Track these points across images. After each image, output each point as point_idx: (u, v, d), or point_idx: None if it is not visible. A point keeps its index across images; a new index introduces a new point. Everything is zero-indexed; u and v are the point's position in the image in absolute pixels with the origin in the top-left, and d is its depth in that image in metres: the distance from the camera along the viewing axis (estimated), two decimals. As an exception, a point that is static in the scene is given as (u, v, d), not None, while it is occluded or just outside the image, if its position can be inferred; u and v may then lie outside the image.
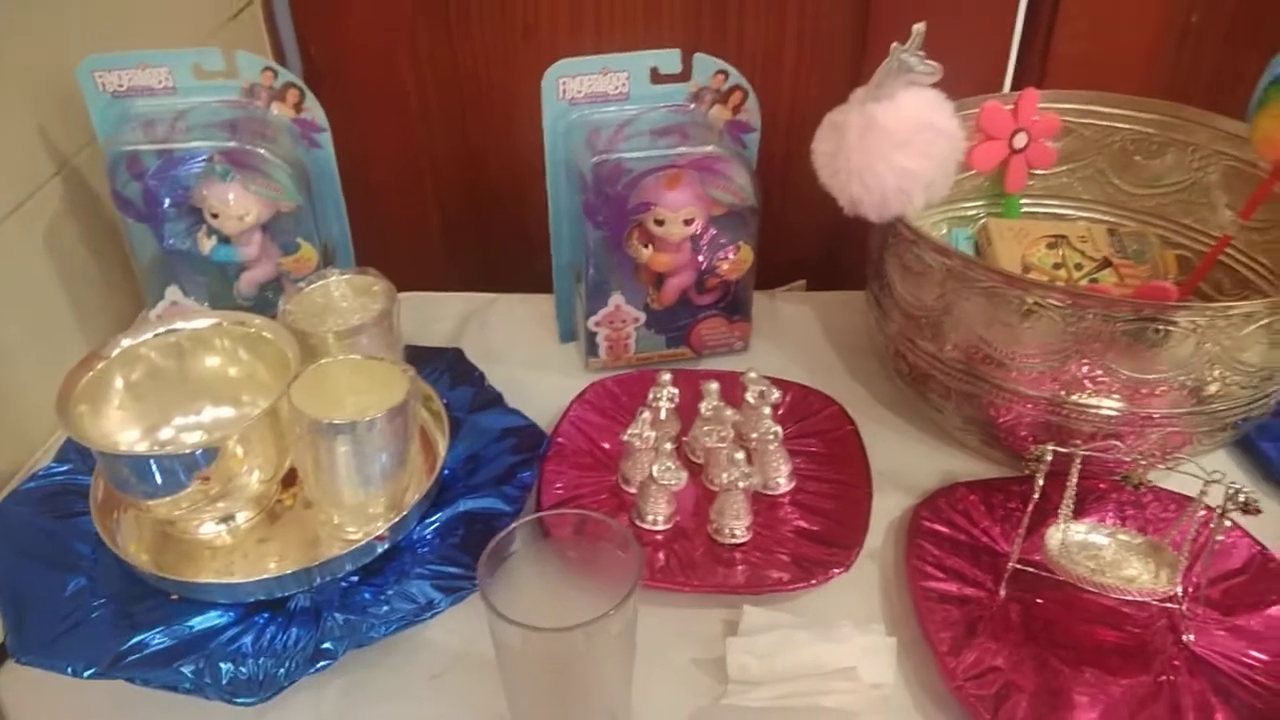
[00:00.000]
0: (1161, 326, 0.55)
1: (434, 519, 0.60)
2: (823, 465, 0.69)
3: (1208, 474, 0.54)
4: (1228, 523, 0.53)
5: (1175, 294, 0.67)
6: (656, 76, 0.72)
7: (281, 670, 0.50)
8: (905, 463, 0.70)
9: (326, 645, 0.51)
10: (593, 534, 0.49)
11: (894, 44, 0.60)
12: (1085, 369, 0.58)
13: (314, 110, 0.74)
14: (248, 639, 0.52)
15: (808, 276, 1.01)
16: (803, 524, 0.65)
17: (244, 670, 0.50)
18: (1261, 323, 0.56)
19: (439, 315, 0.87)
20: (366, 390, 0.56)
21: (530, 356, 0.82)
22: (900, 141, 0.61)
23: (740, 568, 0.62)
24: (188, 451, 0.54)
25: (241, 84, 0.73)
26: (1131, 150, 0.78)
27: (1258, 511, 0.52)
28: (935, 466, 0.70)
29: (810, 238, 0.99)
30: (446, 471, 0.63)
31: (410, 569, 0.56)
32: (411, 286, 0.91)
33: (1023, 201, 0.82)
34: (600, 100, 0.71)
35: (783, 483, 0.67)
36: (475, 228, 1.06)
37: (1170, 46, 0.96)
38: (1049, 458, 0.56)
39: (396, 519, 0.57)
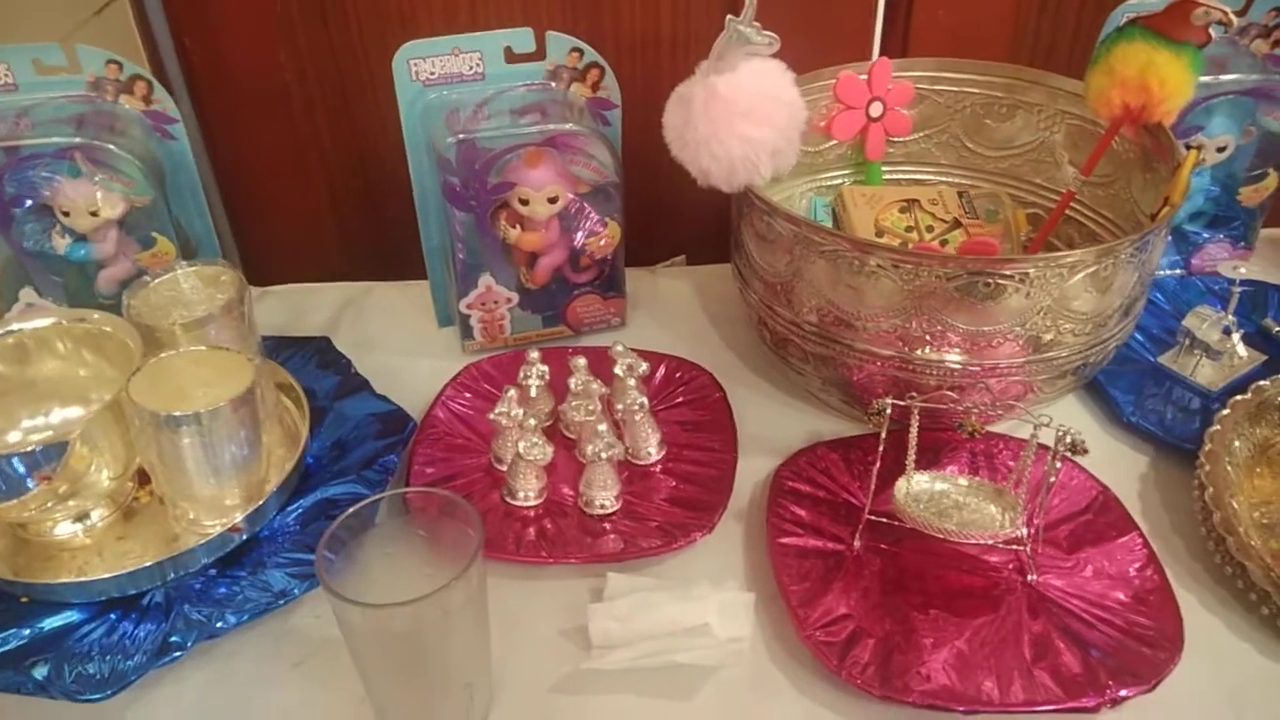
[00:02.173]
0: (990, 280, 0.57)
1: (295, 507, 0.59)
2: (693, 433, 0.71)
3: (1036, 419, 0.56)
4: (1059, 464, 0.56)
5: (998, 249, 0.70)
6: (511, 56, 0.72)
7: (129, 664, 0.49)
8: (773, 426, 0.72)
9: (175, 638, 0.51)
10: (437, 511, 0.50)
11: (729, 16, 0.61)
12: (926, 325, 0.60)
13: (164, 102, 0.73)
14: (97, 636, 0.51)
15: (692, 250, 1.02)
16: (672, 491, 0.66)
17: (90, 668, 0.50)
18: (1087, 271, 0.58)
19: (317, 305, 0.87)
20: (214, 382, 0.56)
21: (408, 342, 0.82)
22: (742, 111, 0.62)
23: (610, 537, 0.63)
24: (28, 450, 0.53)
25: (86, 78, 0.71)
26: (982, 114, 0.80)
27: (1085, 451, 0.55)
28: (801, 427, 0.72)
29: (693, 213, 1.00)
30: (310, 460, 0.63)
31: (268, 558, 0.56)
32: (304, 277, 0.91)
33: (884, 168, 0.84)
34: (455, 81, 0.71)
35: (653, 452, 0.69)
36: (367, 215, 1.04)
37: (1033, 12, 0.98)
38: (888, 411, 0.58)
39: (253, 509, 0.57)
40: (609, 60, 0.76)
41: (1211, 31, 0.64)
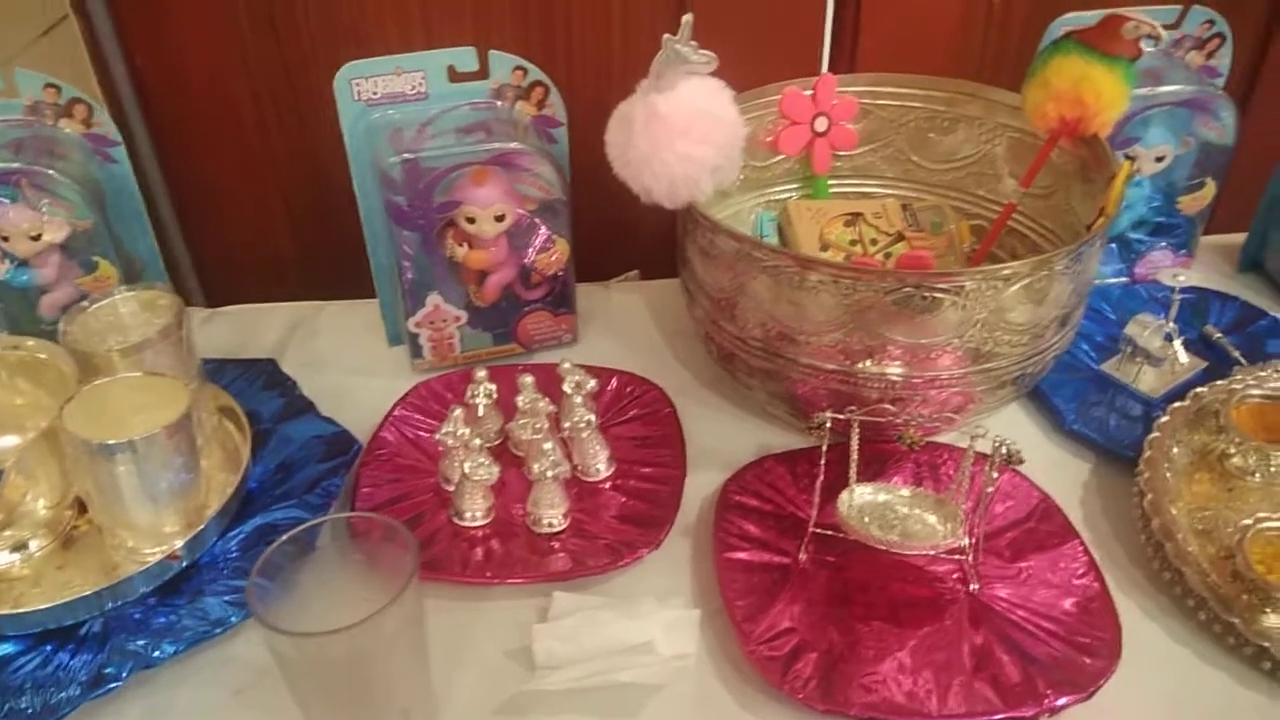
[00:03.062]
0: (926, 294, 0.58)
1: (236, 533, 0.59)
2: (643, 448, 0.71)
3: (973, 430, 0.57)
4: (996, 474, 0.56)
5: (933, 263, 0.71)
6: (455, 75, 0.72)
7: (63, 697, 0.49)
8: (723, 440, 0.72)
9: (110, 669, 0.50)
10: (376, 535, 0.49)
11: (665, 35, 0.61)
12: (866, 339, 0.61)
13: (105, 125, 0.72)
14: (31, 669, 0.51)
15: (647, 265, 1.02)
16: (621, 508, 0.66)
17: (23, 701, 0.49)
18: (1022, 283, 0.59)
19: (267, 325, 0.86)
20: (151, 408, 0.55)
21: (358, 361, 0.81)
22: (681, 130, 0.62)
23: (558, 556, 0.63)
24: (-42, 482, 0.53)
25: (24, 102, 0.71)
26: (925, 128, 0.81)
27: (1021, 461, 0.56)
28: (752, 441, 0.72)
29: (647, 228, 1.00)
30: (253, 484, 0.62)
31: (207, 586, 0.56)
32: (263, 295, 0.90)
33: (831, 182, 0.85)
34: (399, 100, 0.71)
35: (602, 469, 0.69)
36: (323, 232, 1.04)
37: (977, 29, 1.00)
38: (828, 425, 0.58)
39: (192, 536, 0.56)
40: (561, 77, 0.76)
41: (1142, 45, 0.66)
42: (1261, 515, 0.58)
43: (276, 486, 0.62)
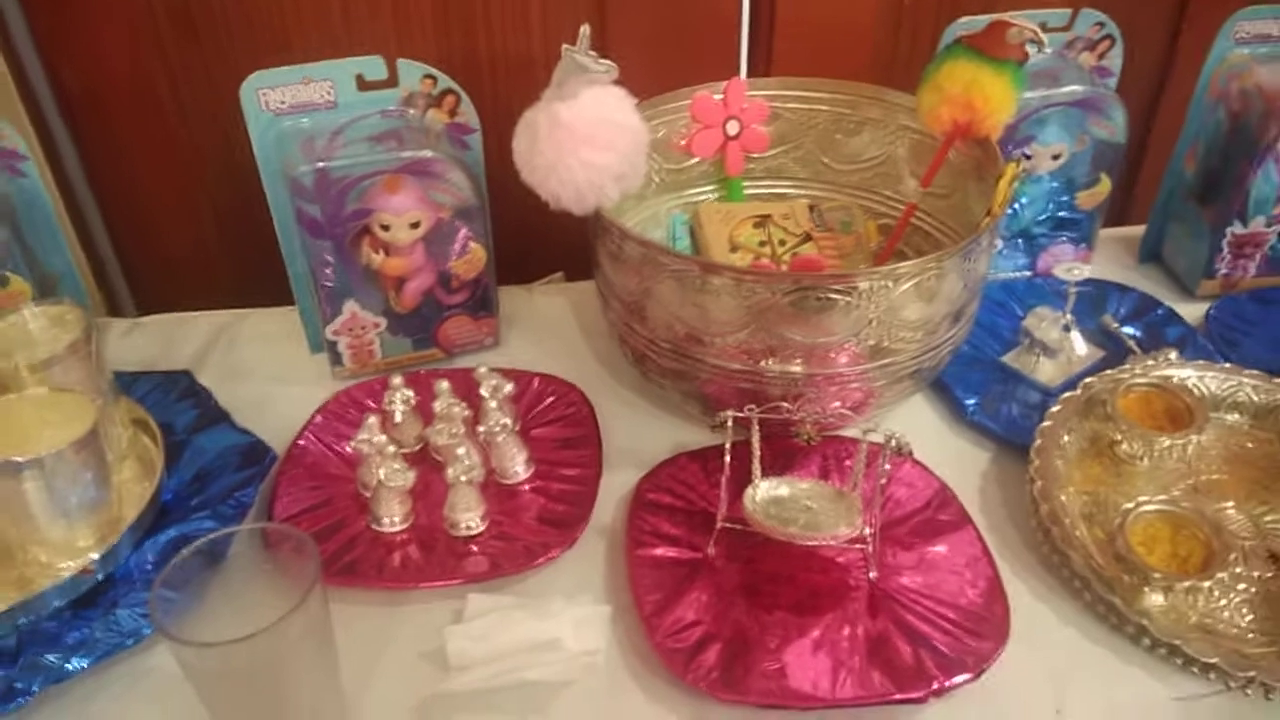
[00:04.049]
0: (820, 295, 0.60)
1: (151, 545, 0.59)
2: (562, 450, 0.72)
3: (864, 426, 0.59)
4: (888, 465, 0.59)
5: (826, 265, 0.73)
6: (364, 83, 0.73)
7: (-30, 715, 0.49)
8: (641, 439, 0.74)
9: (19, 684, 0.50)
10: (284, 544, 0.50)
11: (564, 45, 0.63)
12: (767, 339, 0.63)
13: (12, 139, 0.72)
14: (-60, 689, 0.51)
15: (572, 267, 1.04)
16: (540, 509, 0.68)
17: (-70, 721, 0.49)
18: (912, 282, 0.62)
19: (188, 335, 0.86)
20: (59, 424, 0.56)
21: (280, 370, 0.82)
22: (584, 138, 0.64)
23: (474, 558, 0.64)
24: None
25: (-73, 116, 0.70)
26: (833, 130, 0.84)
27: (910, 452, 0.58)
28: (668, 439, 0.74)
29: (571, 229, 1.02)
30: (169, 496, 0.63)
31: (122, 598, 0.56)
32: (195, 302, 0.90)
33: (746, 183, 0.87)
34: (308, 109, 0.72)
35: (520, 471, 0.70)
36: (252, 238, 1.03)
37: (890, 26, 1.02)
38: (730, 423, 0.60)
39: (106, 550, 0.57)
40: (485, 84, 0.77)
41: (1028, 49, 0.68)
42: (1143, 499, 0.61)
43: (192, 498, 0.63)
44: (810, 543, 0.60)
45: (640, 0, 0.93)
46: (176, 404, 0.70)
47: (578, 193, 0.65)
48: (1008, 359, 0.79)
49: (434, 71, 0.73)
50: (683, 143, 0.83)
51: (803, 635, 0.58)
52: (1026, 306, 0.82)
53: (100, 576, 0.57)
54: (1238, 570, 0.61)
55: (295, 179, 0.70)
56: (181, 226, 1.00)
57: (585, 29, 0.62)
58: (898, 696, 0.53)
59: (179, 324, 0.87)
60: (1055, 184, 0.86)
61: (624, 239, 0.66)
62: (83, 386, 0.59)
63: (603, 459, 0.71)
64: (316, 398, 0.76)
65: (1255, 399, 0.71)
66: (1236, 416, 0.71)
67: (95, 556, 0.57)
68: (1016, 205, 0.85)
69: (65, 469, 0.54)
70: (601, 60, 0.63)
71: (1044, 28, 0.80)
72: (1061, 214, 0.87)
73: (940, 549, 0.63)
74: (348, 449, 0.66)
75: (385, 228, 0.73)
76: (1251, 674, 0.53)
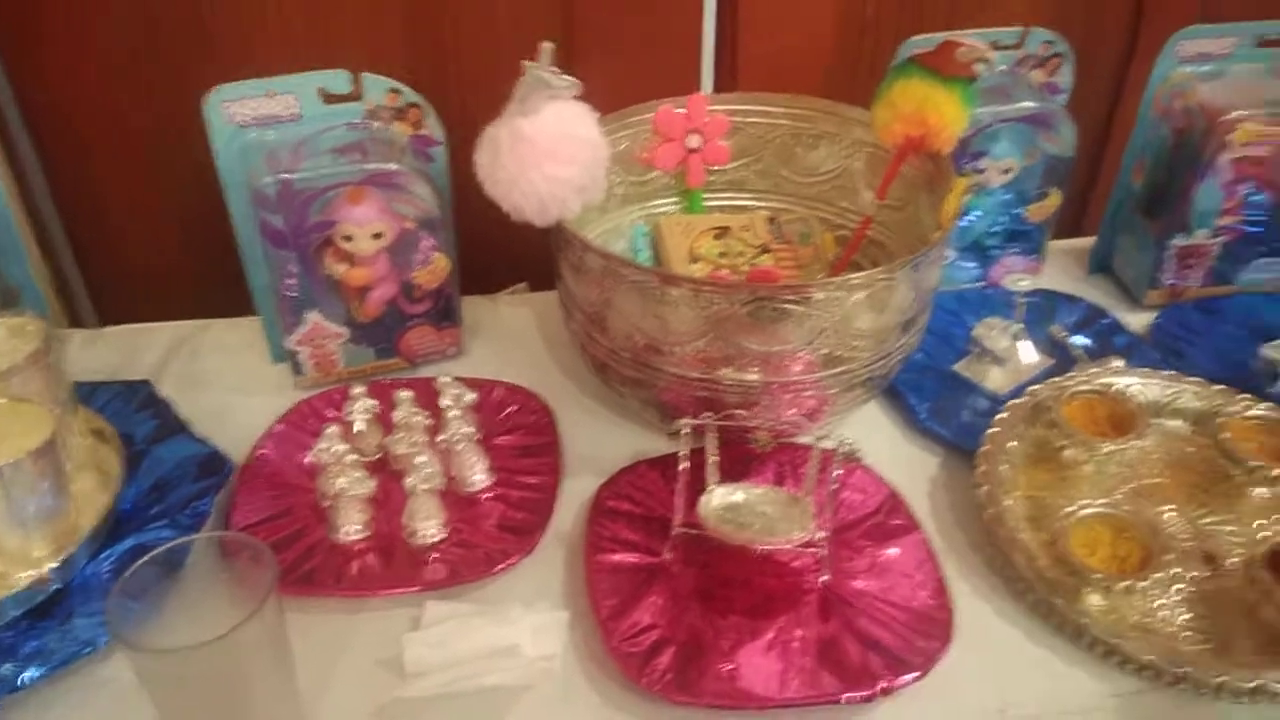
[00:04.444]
0: (775, 305, 0.62)
1: (108, 555, 0.60)
2: (523, 458, 0.73)
3: (816, 432, 0.61)
4: (838, 471, 0.60)
5: (780, 276, 0.75)
6: (329, 97, 0.74)
7: (-76, 725, 0.49)
8: (602, 447, 0.75)
9: (-27, 694, 0.51)
10: (239, 554, 0.51)
11: (525, 61, 0.64)
12: (724, 348, 0.64)
13: (-29, 151, 0.72)
14: (-107, 699, 0.51)
15: (537, 278, 1.05)
16: (500, 516, 0.69)
17: (-117, 731, 0.49)
18: (864, 293, 0.63)
19: (149, 345, 0.86)
20: (16, 434, 0.56)
21: (241, 380, 0.82)
22: (546, 152, 0.65)
23: (434, 566, 0.65)
24: None
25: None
26: (792, 144, 0.86)
27: (860, 458, 0.60)
28: (629, 447, 0.75)
29: (536, 240, 1.03)
30: (127, 506, 0.63)
31: (78, 608, 0.56)
32: (156, 315, 0.90)
33: (707, 195, 0.88)
34: (272, 122, 0.73)
35: (481, 479, 0.71)
36: (217, 249, 1.04)
37: (853, 38, 1.04)
38: (687, 430, 0.62)
39: (62, 559, 0.57)
40: (450, 95, 0.78)
41: (977, 68, 0.70)
42: (1084, 502, 0.63)
43: (150, 507, 0.63)
44: (764, 547, 0.62)
45: (606, 15, 0.94)
46: (136, 414, 0.70)
47: (540, 205, 0.67)
48: (959, 367, 0.81)
49: (398, 85, 0.74)
50: (645, 155, 0.84)
51: (756, 638, 0.59)
52: (978, 316, 0.84)
53: (57, 586, 0.57)
54: (1175, 571, 0.63)
55: (259, 190, 0.71)
56: (145, 238, 1.00)
57: (547, 46, 0.63)
58: (845, 696, 0.55)
59: (140, 335, 0.88)
60: (1007, 197, 0.88)
61: (585, 251, 0.68)
62: (42, 397, 0.59)
63: (563, 467, 0.72)
64: (276, 408, 0.76)
65: (1195, 405, 0.73)
66: (1178, 422, 0.73)
67: (52, 566, 0.57)
68: (969, 218, 0.87)
69: (22, 479, 0.54)
70: (563, 76, 0.64)
71: (995, 45, 0.83)
72: (1013, 226, 0.89)
73: (890, 552, 0.64)
74: (307, 459, 0.66)
75: (348, 239, 0.74)
76: (1185, 671, 0.55)
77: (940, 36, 0.72)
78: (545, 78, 0.64)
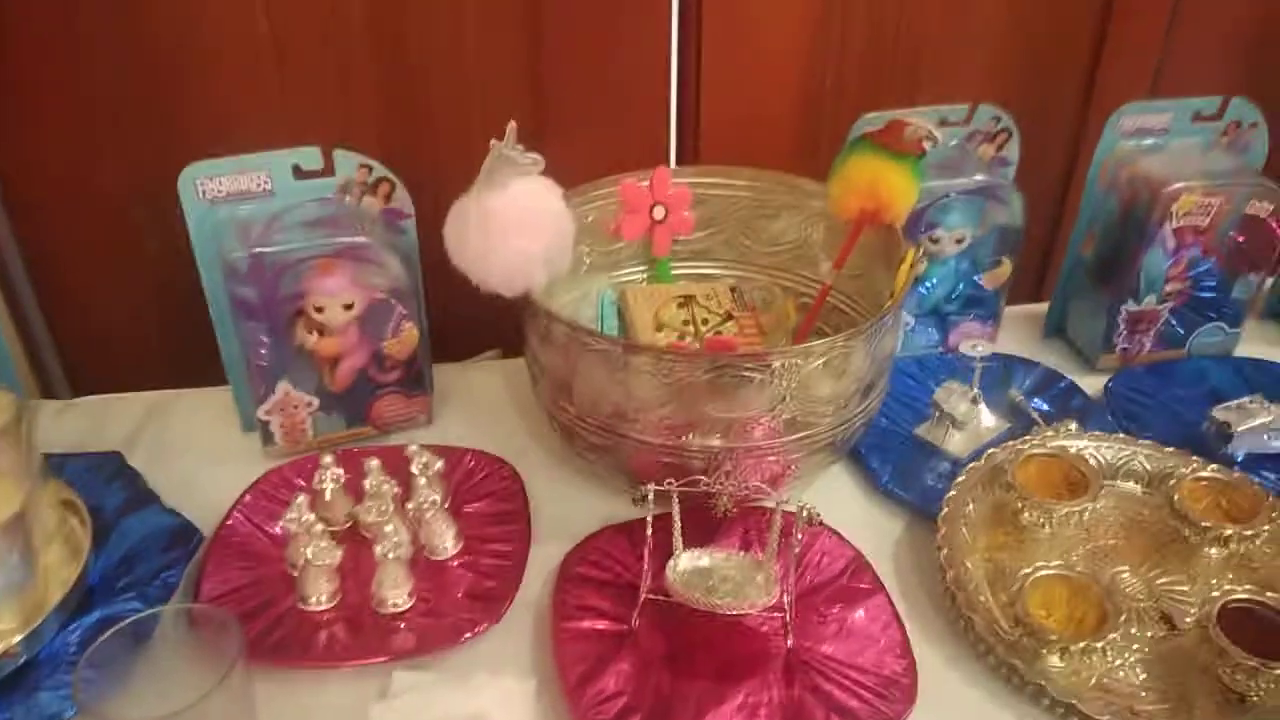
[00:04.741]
0: (734, 373, 0.63)
1: (76, 627, 0.60)
2: (493, 525, 0.74)
3: (777, 499, 0.62)
4: (800, 535, 0.62)
5: (738, 345, 0.77)
6: (300, 172, 0.76)
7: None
8: (572, 512, 0.76)
9: (-67, 772, 0.50)
10: (206, 625, 0.51)
11: (493, 140, 0.66)
12: (686, 414, 0.66)
13: (-51, 225, 0.73)
14: None
15: (509, 344, 1.06)
16: (469, 584, 0.69)
17: None
18: (820, 360, 0.65)
19: (120, 415, 0.87)
20: (-16, 507, 0.56)
21: (211, 449, 0.82)
22: (513, 225, 0.67)
23: (401, 635, 0.65)
24: None
25: None
26: (753, 214, 0.89)
27: (821, 523, 0.61)
28: (597, 513, 0.76)
29: (504, 308, 1.05)
30: (96, 578, 0.63)
31: (44, 680, 0.56)
32: (127, 384, 0.90)
33: (675, 263, 0.91)
34: (245, 198, 0.74)
35: (450, 546, 0.71)
36: (188, 322, 1.04)
37: (812, 110, 1.08)
38: (651, 496, 0.63)
39: (29, 632, 0.57)
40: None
41: (924, 145, 0.74)
42: (1040, 564, 0.65)
43: (118, 579, 0.63)
44: (729, 613, 0.62)
45: (575, 92, 0.98)
46: (106, 485, 0.71)
47: (507, 277, 0.68)
48: (920, 431, 0.83)
49: (369, 160, 0.76)
50: (612, 227, 0.87)
51: (722, 703, 0.59)
52: (939, 381, 0.86)
53: (24, 659, 0.57)
54: (1132, 631, 0.64)
55: (230, 263, 0.72)
56: (117, 308, 1.01)
57: (512, 125, 0.66)
58: (810, 760, 0.55)
59: (112, 404, 0.88)
60: (965, 265, 0.91)
61: (551, 321, 0.69)
62: (12, 470, 0.60)
63: (533, 533, 0.73)
64: (246, 477, 0.77)
65: (1148, 467, 0.75)
66: (1131, 484, 0.75)
67: (19, 638, 0.57)
68: (926, 286, 0.90)
69: (-11, 552, 0.54)
70: (528, 154, 0.67)
71: (944, 122, 0.87)
72: (970, 292, 0.92)
73: (855, 615, 0.65)
74: (277, 528, 0.67)
75: (319, 309, 0.75)
76: (1142, 730, 0.56)
77: (889, 115, 0.75)
78: (510, 155, 0.67)
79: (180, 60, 0.87)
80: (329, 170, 0.76)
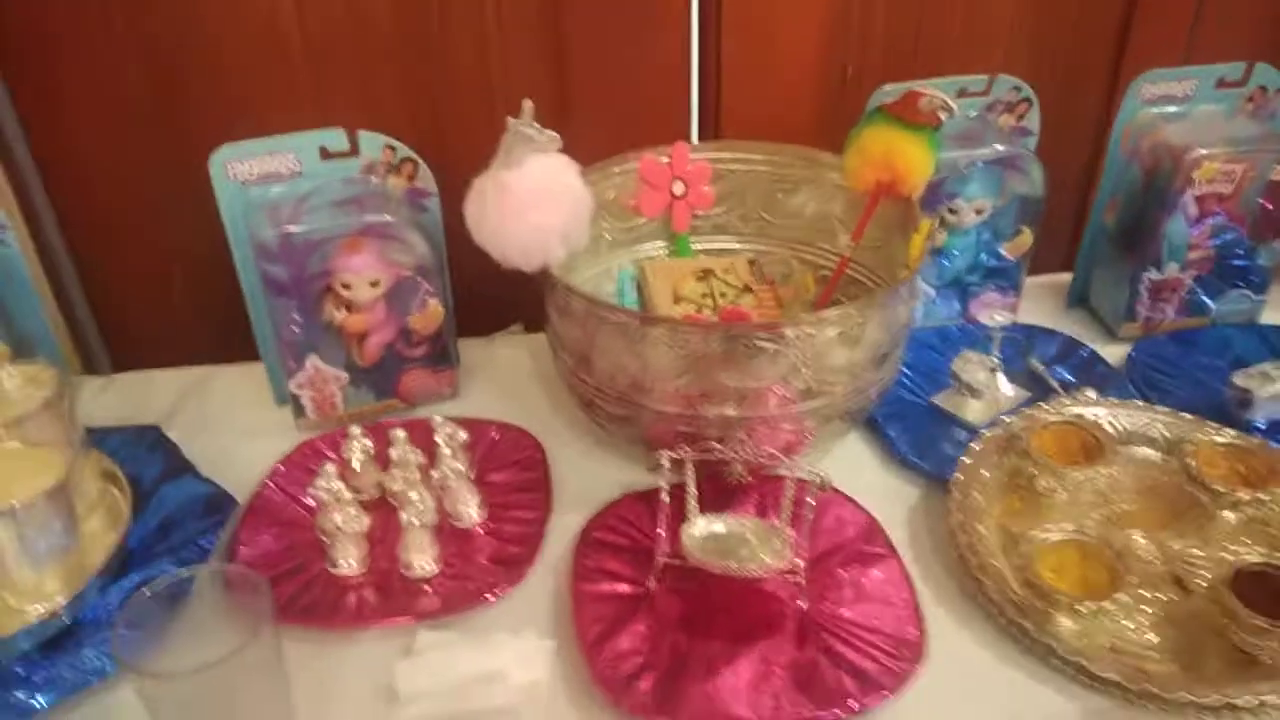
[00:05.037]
0: (748, 343, 0.65)
1: (117, 590, 0.63)
2: (516, 493, 0.76)
3: (790, 465, 0.63)
4: (813, 501, 0.63)
5: (751, 316, 0.78)
6: (327, 154, 0.78)
7: (-60, 751, 0.52)
8: (593, 481, 0.78)
9: (-13, 722, 0.53)
10: (239, 586, 0.54)
11: (509, 118, 0.68)
12: (702, 384, 0.67)
13: (-7, 209, 0.76)
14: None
15: (533, 318, 1.08)
16: (492, 550, 0.71)
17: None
18: (835, 330, 0.66)
19: (160, 391, 0.90)
20: (31, 476, 0.59)
21: (247, 423, 0.85)
22: (531, 202, 0.69)
23: (427, 598, 0.67)
24: None
25: (-88, 188, 0.74)
26: (773, 189, 0.89)
27: (833, 489, 0.63)
28: (617, 481, 0.77)
29: (531, 283, 1.06)
30: (135, 543, 0.66)
31: (88, 639, 0.59)
32: (166, 361, 0.94)
33: (694, 238, 0.92)
34: (274, 179, 0.77)
35: (474, 514, 0.74)
36: (224, 300, 1.07)
37: (834, 96, 1.08)
38: (666, 464, 0.64)
39: (74, 595, 0.60)
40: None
41: (940, 115, 0.74)
42: (1051, 528, 0.66)
43: (157, 544, 0.66)
44: (743, 575, 0.64)
45: (598, 69, 0.98)
46: (146, 456, 0.74)
47: (525, 252, 0.70)
48: (938, 400, 0.83)
49: (393, 141, 0.78)
50: (632, 203, 0.88)
51: (735, 661, 0.61)
52: (959, 351, 0.87)
53: (68, 620, 0.60)
54: (1145, 594, 0.65)
55: (261, 243, 0.75)
56: (156, 288, 1.04)
57: (528, 103, 0.67)
58: (820, 715, 0.57)
59: (150, 381, 0.91)
60: (986, 235, 0.91)
61: (570, 295, 0.71)
62: (55, 441, 0.63)
63: (553, 501, 0.75)
64: (279, 449, 0.79)
65: (1166, 434, 0.76)
66: (1148, 450, 0.76)
67: (63, 601, 0.60)
68: (948, 256, 0.91)
69: (36, 518, 0.57)
70: (545, 131, 0.68)
71: (963, 93, 0.87)
72: (991, 263, 0.92)
73: (867, 578, 0.67)
74: (309, 497, 0.70)
75: (347, 286, 0.78)
76: (1147, 688, 0.57)
77: (906, 86, 0.75)
78: (528, 132, 0.68)
79: (212, 46, 0.89)
80: (354, 151, 0.78)
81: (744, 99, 1.04)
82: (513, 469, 0.79)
